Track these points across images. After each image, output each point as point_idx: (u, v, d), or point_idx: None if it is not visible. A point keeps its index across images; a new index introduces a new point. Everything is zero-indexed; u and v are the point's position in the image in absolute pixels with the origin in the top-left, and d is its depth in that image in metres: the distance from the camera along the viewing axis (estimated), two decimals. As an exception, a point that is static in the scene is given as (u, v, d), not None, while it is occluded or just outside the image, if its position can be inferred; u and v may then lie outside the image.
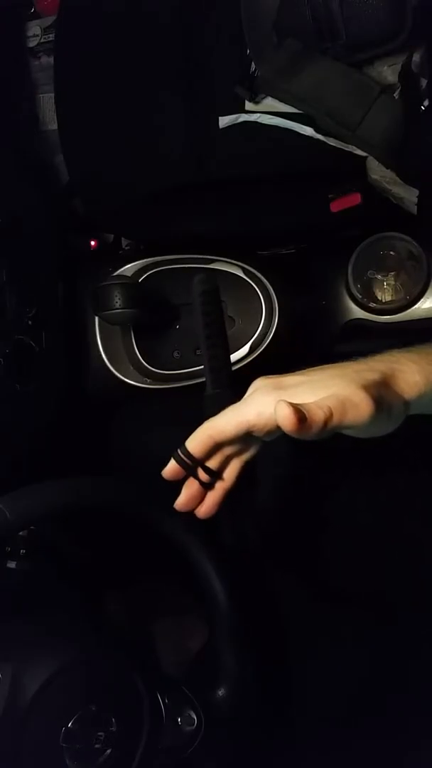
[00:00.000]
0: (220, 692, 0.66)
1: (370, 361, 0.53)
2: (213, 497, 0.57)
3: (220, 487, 0.57)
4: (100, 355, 0.91)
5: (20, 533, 0.77)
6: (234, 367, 0.86)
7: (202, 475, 0.55)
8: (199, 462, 0.54)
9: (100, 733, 0.58)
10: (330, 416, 0.46)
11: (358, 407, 0.47)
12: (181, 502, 0.57)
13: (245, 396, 0.53)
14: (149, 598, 1.00)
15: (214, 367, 0.58)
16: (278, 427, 0.47)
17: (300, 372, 0.53)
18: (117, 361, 0.90)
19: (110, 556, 0.96)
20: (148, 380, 0.90)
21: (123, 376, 0.90)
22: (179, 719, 0.63)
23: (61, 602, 0.79)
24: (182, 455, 0.54)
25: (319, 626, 0.91)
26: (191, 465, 0.54)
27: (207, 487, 0.57)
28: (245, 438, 0.53)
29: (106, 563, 0.97)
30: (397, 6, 0.68)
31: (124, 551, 0.95)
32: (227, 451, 0.56)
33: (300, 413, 0.45)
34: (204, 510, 0.58)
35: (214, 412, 0.53)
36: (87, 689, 0.61)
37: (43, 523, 0.80)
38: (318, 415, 0.46)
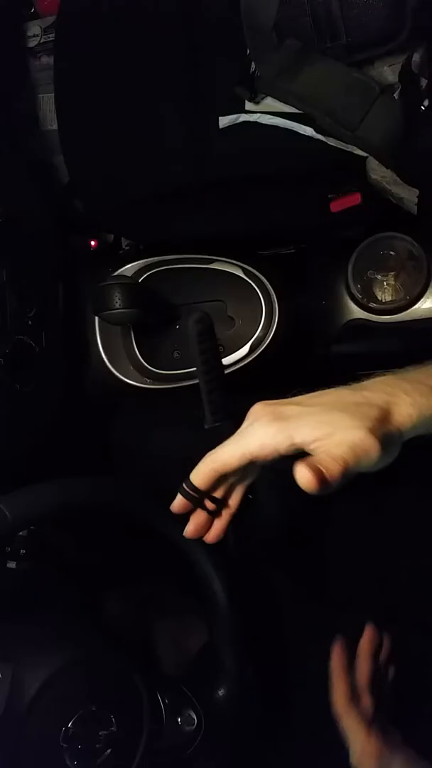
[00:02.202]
0: (220, 692, 0.67)
1: (366, 390, 0.53)
2: (220, 524, 0.59)
3: (226, 514, 0.59)
4: (100, 355, 0.91)
5: (20, 533, 0.77)
6: (234, 368, 0.87)
7: (209, 504, 0.57)
8: (205, 494, 0.56)
9: (100, 733, 0.58)
10: (345, 466, 0.47)
11: (369, 453, 0.48)
12: (190, 530, 0.59)
13: (245, 425, 0.53)
14: (149, 599, 1.00)
15: (213, 400, 0.59)
16: (280, 456, 0.49)
17: (296, 399, 0.53)
18: (117, 361, 0.90)
19: (110, 556, 0.96)
20: (148, 380, 0.90)
21: (123, 376, 0.90)
22: (179, 719, 0.63)
23: (61, 602, 0.79)
24: (188, 489, 0.55)
25: (319, 627, 0.91)
26: (198, 497, 0.55)
27: (213, 515, 0.58)
28: (247, 466, 0.53)
29: (106, 563, 0.97)
30: (397, 6, 0.68)
31: (124, 551, 0.95)
32: (230, 479, 0.57)
33: (320, 474, 0.46)
34: (212, 536, 0.60)
35: (216, 444, 0.53)
36: (87, 689, 0.61)
37: (43, 523, 0.80)
38: (336, 470, 0.47)
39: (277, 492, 0.73)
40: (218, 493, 0.57)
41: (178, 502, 0.56)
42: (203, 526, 0.59)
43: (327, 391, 0.53)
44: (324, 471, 0.46)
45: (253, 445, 0.50)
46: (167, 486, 0.58)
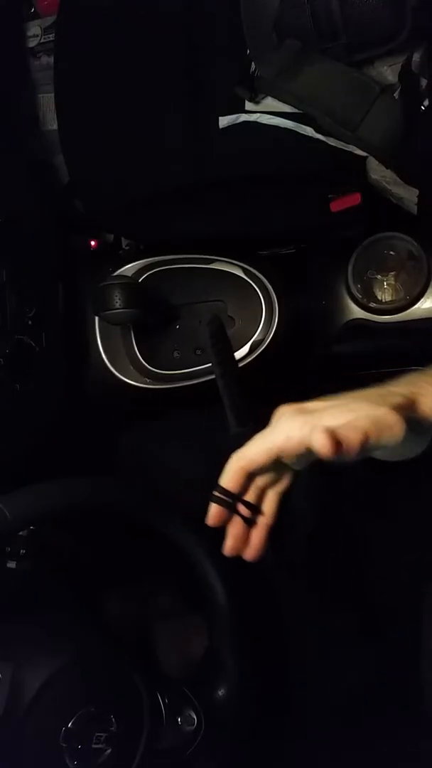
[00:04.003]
0: (220, 692, 0.67)
1: (390, 386, 0.52)
2: (258, 536, 0.56)
3: (262, 524, 0.56)
4: (100, 355, 0.91)
5: (20, 533, 0.77)
6: (234, 368, 0.87)
7: (243, 510, 0.54)
8: (237, 497, 0.54)
9: (100, 733, 0.58)
10: (365, 437, 0.46)
11: (392, 428, 0.47)
12: (230, 545, 0.56)
13: (273, 419, 0.52)
14: (150, 599, 1.00)
15: (234, 404, 0.57)
16: (308, 451, 0.48)
17: (320, 399, 0.53)
18: (117, 361, 0.90)
19: (110, 556, 0.96)
20: (148, 380, 0.90)
21: (123, 376, 0.90)
22: (179, 719, 0.63)
23: (61, 602, 0.79)
24: (219, 494, 0.53)
25: (319, 627, 0.91)
26: (231, 501, 0.53)
27: (250, 523, 0.56)
28: (276, 467, 0.53)
29: (106, 563, 0.97)
30: (396, 6, 0.68)
31: (124, 551, 0.95)
32: (261, 482, 0.55)
33: (335, 437, 0.45)
34: (251, 552, 0.57)
35: (239, 436, 0.53)
36: (87, 689, 0.61)
37: (43, 523, 0.80)
38: (354, 437, 0.45)
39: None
40: (250, 497, 0.55)
41: (213, 513, 0.54)
42: (241, 539, 0.56)
43: (350, 392, 0.53)
44: (341, 436, 0.45)
45: (278, 438, 0.49)
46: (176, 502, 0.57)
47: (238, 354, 0.87)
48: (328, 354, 0.90)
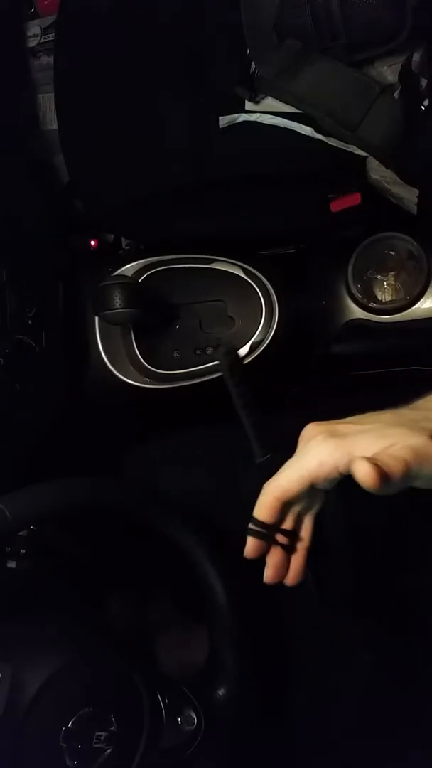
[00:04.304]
0: (220, 692, 0.67)
1: (421, 408, 0.51)
2: (298, 560, 0.56)
3: (301, 548, 0.55)
4: (100, 355, 0.90)
5: (20, 533, 0.77)
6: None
7: (282, 538, 0.54)
8: (274, 527, 0.53)
9: (100, 733, 0.58)
10: (407, 467, 0.44)
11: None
12: (271, 575, 0.55)
13: (300, 447, 0.51)
14: (150, 599, 1.00)
15: (258, 434, 0.56)
16: (340, 474, 0.47)
17: (349, 419, 0.51)
18: (117, 361, 0.90)
19: (111, 557, 0.96)
20: (148, 380, 0.90)
21: (123, 376, 0.90)
22: (179, 719, 0.63)
23: (61, 602, 0.79)
24: (256, 527, 0.52)
25: (320, 628, 0.91)
26: (268, 533, 0.52)
27: (289, 550, 0.55)
28: (309, 491, 0.51)
29: (107, 563, 0.97)
30: (396, 6, 0.68)
31: (124, 551, 0.95)
32: (296, 509, 0.54)
33: (380, 469, 0.43)
34: (292, 577, 0.56)
35: (270, 476, 0.51)
36: (87, 689, 0.61)
37: (43, 523, 0.80)
38: (397, 468, 0.43)
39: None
40: (287, 525, 0.54)
41: (250, 546, 0.53)
42: (281, 567, 0.55)
43: (381, 411, 0.51)
44: (385, 468, 0.43)
45: (311, 465, 0.48)
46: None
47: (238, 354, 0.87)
48: (328, 354, 0.90)
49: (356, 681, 0.91)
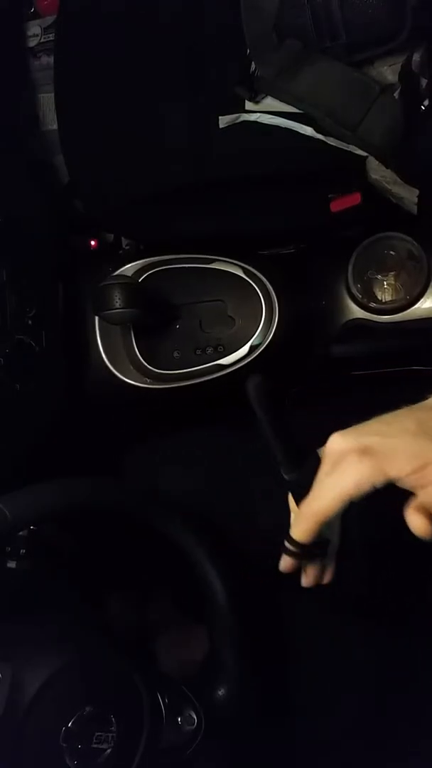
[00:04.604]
0: (220, 692, 0.67)
1: None
2: (331, 564, 0.59)
3: (332, 551, 0.58)
4: (100, 355, 0.90)
5: (20, 533, 0.77)
6: (234, 367, 0.87)
7: (316, 551, 0.56)
8: (310, 545, 0.54)
9: (100, 733, 0.58)
10: None
11: None
12: (309, 582, 0.58)
13: (328, 461, 0.51)
14: (150, 599, 1.00)
15: (287, 458, 0.56)
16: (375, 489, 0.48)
17: (373, 426, 0.51)
18: (117, 361, 0.90)
19: (110, 557, 0.96)
20: (148, 380, 0.90)
21: (123, 376, 0.90)
22: (179, 719, 0.63)
23: (61, 602, 0.79)
24: (294, 548, 0.53)
25: (320, 628, 0.91)
26: (305, 552, 0.54)
27: (323, 557, 0.58)
28: None
29: (107, 563, 0.97)
30: (396, 6, 0.68)
31: (124, 551, 0.95)
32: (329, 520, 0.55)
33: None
34: (328, 578, 0.59)
35: (302, 492, 0.52)
36: (87, 689, 0.61)
37: (43, 523, 0.80)
38: None
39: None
40: (319, 536, 0.55)
41: (288, 564, 0.55)
42: (318, 575, 0.58)
43: (400, 413, 0.51)
44: None
45: (349, 488, 0.48)
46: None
47: (238, 354, 0.87)
48: (328, 354, 0.90)
49: (356, 681, 0.91)
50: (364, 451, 0.48)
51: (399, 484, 0.48)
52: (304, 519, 0.51)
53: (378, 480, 0.47)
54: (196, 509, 0.74)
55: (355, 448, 0.49)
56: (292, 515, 0.56)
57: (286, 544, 0.53)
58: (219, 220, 0.89)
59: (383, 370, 0.92)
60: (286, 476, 0.55)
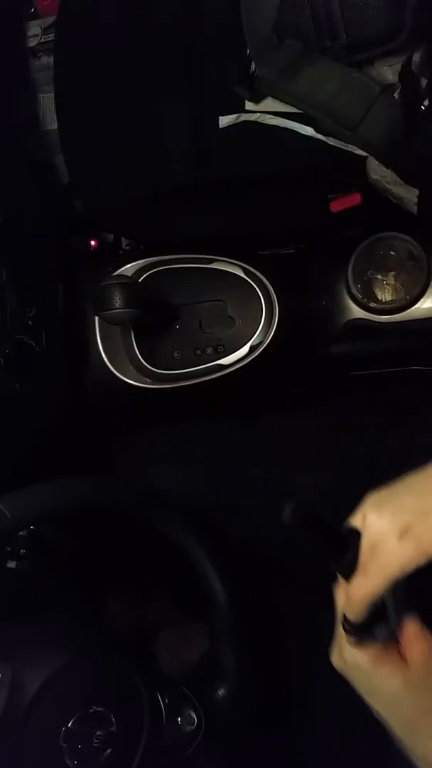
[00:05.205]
0: (220, 692, 0.67)
1: None
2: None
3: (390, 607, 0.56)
4: (100, 355, 0.90)
5: (20, 533, 0.77)
6: (234, 367, 0.87)
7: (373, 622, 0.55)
8: (368, 621, 0.54)
9: (100, 733, 0.58)
10: None
11: None
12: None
13: (366, 541, 0.50)
14: (150, 599, 1.00)
15: (334, 555, 0.54)
16: None
17: (405, 494, 0.50)
18: (117, 361, 0.90)
19: (110, 556, 0.96)
20: (148, 380, 0.90)
21: (123, 376, 0.90)
22: (179, 719, 0.63)
23: (61, 602, 0.79)
24: (352, 629, 0.54)
25: (321, 627, 0.91)
26: (364, 627, 0.54)
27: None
28: None
29: (107, 563, 0.97)
30: (396, 6, 0.68)
31: (124, 551, 0.95)
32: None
33: None
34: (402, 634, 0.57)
35: (349, 575, 0.52)
36: (87, 689, 0.61)
37: (44, 523, 0.80)
38: None
39: None
40: None
41: (354, 643, 0.55)
42: (386, 636, 0.57)
43: (430, 479, 0.50)
44: None
45: (395, 571, 0.49)
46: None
47: (238, 354, 0.87)
48: (328, 354, 0.90)
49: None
50: (404, 533, 0.48)
51: None
52: (358, 603, 0.52)
53: (421, 561, 0.47)
54: (196, 509, 0.74)
55: (393, 529, 0.49)
56: (341, 595, 0.55)
57: (345, 624, 0.54)
58: (219, 220, 0.89)
59: (383, 370, 0.92)
60: (335, 569, 0.55)
